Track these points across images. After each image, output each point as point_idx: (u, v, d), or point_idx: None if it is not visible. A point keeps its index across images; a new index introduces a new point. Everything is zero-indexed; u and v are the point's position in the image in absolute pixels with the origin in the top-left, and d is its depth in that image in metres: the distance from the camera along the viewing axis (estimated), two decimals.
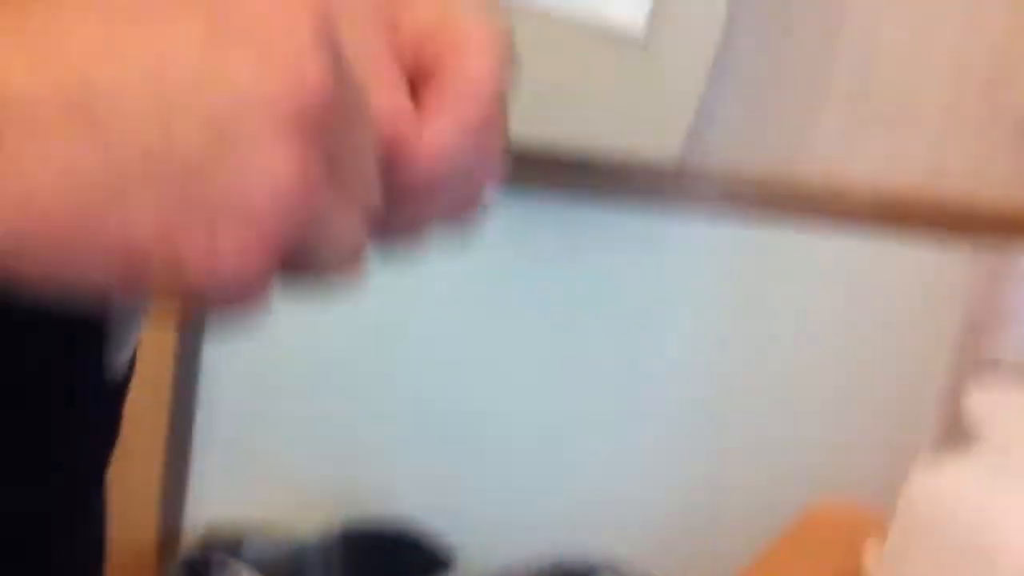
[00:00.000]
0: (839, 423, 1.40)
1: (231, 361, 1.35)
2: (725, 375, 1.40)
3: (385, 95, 0.39)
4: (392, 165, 0.38)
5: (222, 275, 0.32)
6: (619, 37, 1.16)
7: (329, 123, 0.32)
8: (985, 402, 0.51)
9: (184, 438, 1.37)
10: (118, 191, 0.30)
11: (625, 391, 1.40)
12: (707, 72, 1.19)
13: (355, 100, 0.34)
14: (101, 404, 0.54)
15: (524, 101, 1.17)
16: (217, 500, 1.40)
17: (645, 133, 1.22)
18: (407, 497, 1.39)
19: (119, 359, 0.52)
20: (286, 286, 0.35)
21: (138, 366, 0.56)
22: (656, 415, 1.40)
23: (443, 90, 0.40)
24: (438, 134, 0.39)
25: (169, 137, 0.30)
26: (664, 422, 1.40)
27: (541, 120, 1.18)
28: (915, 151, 1.37)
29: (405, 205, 0.39)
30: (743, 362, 1.40)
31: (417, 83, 0.40)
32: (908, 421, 1.32)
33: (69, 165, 0.30)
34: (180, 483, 1.39)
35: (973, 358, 0.49)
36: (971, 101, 1.36)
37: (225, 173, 0.31)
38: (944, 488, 0.51)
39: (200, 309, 0.34)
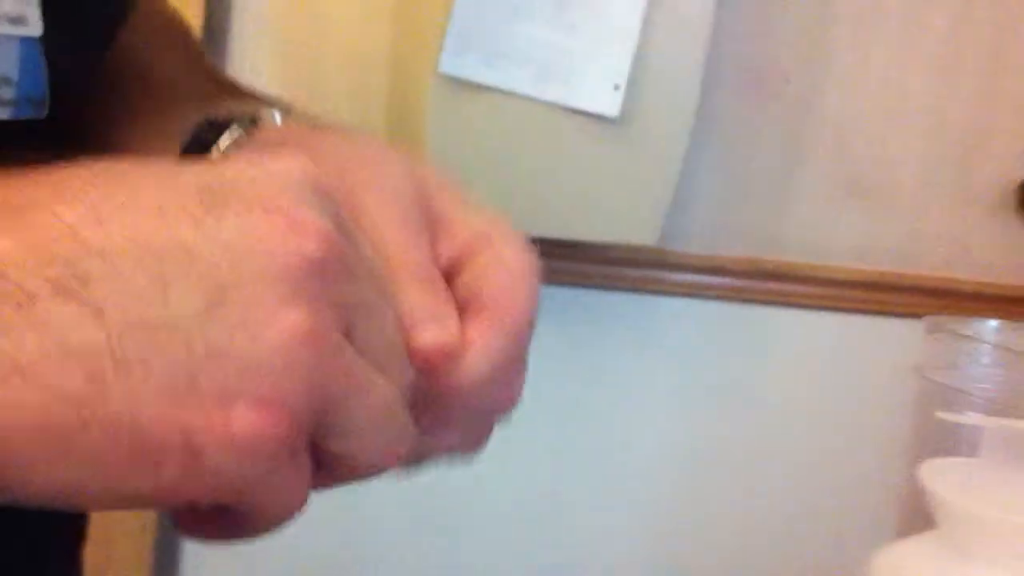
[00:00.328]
0: (820, 497, 1.39)
1: None
2: (708, 451, 1.40)
3: (430, 301, 0.38)
4: (428, 374, 0.37)
5: (238, 451, 0.29)
6: (594, 120, 1.17)
7: (334, 274, 0.31)
8: (942, 476, 0.51)
9: (172, 541, 1.36)
10: (118, 363, 0.28)
11: (608, 468, 1.39)
12: (684, 152, 1.20)
13: (360, 254, 0.33)
14: None
15: (501, 187, 1.17)
16: None
17: (624, 216, 1.23)
18: None
19: None
20: (329, 480, 0.33)
21: None
22: (638, 491, 1.40)
23: (484, 318, 0.39)
24: (476, 360, 0.38)
25: (167, 304, 0.29)
26: (646, 498, 1.40)
27: (519, 207, 1.18)
28: (893, 227, 1.37)
29: (428, 418, 0.38)
30: (725, 437, 1.40)
31: (455, 292, 0.40)
32: (889, 496, 1.32)
33: (63, 336, 0.28)
34: None
35: (932, 431, 0.49)
36: (947, 176, 1.37)
37: (230, 337, 0.29)
38: (903, 566, 0.51)
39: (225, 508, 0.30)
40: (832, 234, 1.38)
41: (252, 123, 0.49)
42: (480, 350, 0.38)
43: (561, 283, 1.34)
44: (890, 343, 1.36)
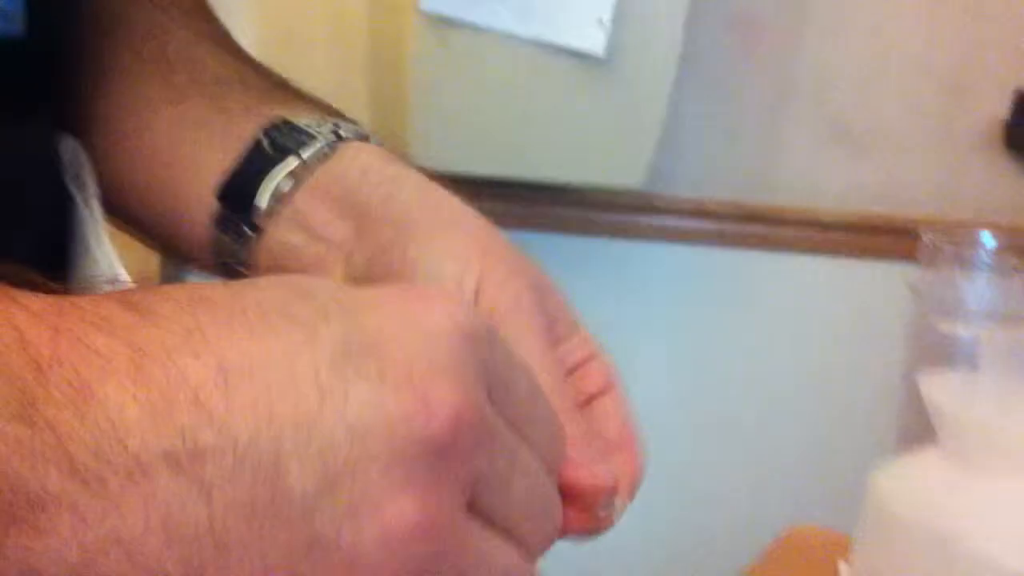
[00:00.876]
0: (812, 441, 1.39)
1: None
2: (697, 398, 1.40)
3: (581, 435, 0.39)
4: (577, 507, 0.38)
5: None
6: (578, 60, 1.16)
7: (463, 451, 0.30)
8: (942, 389, 0.50)
9: None
10: (218, 546, 0.28)
11: None
12: (669, 91, 1.18)
13: (511, 421, 0.32)
14: None
15: (484, 129, 1.16)
16: None
17: (610, 159, 1.22)
18: None
19: None
20: None
21: None
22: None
23: (626, 458, 0.42)
24: (624, 501, 0.40)
25: (277, 486, 0.28)
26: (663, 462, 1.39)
27: (504, 149, 1.17)
28: (880, 168, 1.37)
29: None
30: (715, 384, 1.39)
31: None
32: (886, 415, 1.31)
33: (168, 515, 0.28)
34: None
35: (928, 347, 0.48)
36: (932, 116, 1.36)
37: (335, 525, 0.28)
38: (905, 480, 0.50)
39: None
40: (819, 177, 1.37)
41: (337, 138, 0.49)
42: (627, 490, 0.40)
43: (543, 229, 1.33)
44: (879, 285, 1.35)
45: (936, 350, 0.50)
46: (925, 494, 0.48)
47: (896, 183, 1.36)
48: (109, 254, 0.55)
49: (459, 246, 0.44)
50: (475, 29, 1.12)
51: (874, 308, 1.35)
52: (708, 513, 1.41)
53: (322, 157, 0.48)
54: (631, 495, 0.41)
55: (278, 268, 0.48)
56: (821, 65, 1.35)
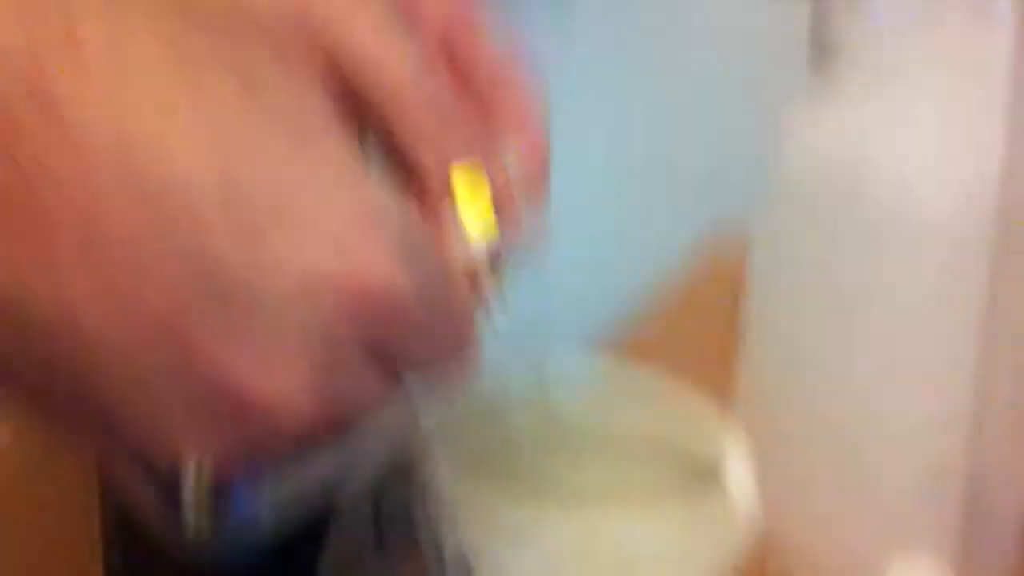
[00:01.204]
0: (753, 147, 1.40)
1: None
2: (636, 117, 1.39)
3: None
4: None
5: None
6: None
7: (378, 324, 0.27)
8: (843, 25, 0.50)
9: None
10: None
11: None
12: None
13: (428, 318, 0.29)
14: None
15: None
16: None
17: None
18: None
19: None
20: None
21: None
22: (570, 165, 1.40)
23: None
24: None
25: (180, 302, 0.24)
26: (580, 169, 1.39)
27: None
28: None
29: None
30: (657, 98, 1.39)
31: None
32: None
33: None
34: None
35: None
36: None
37: (226, 352, 0.25)
38: (811, 115, 0.51)
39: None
40: None
41: None
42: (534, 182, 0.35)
43: None
44: None
45: None
46: (830, 126, 0.49)
47: None
48: None
49: None
50: None
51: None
52: (652, 216, 1.42)
53: None
54: (539, 186, 0.35)
55: None
56: None
